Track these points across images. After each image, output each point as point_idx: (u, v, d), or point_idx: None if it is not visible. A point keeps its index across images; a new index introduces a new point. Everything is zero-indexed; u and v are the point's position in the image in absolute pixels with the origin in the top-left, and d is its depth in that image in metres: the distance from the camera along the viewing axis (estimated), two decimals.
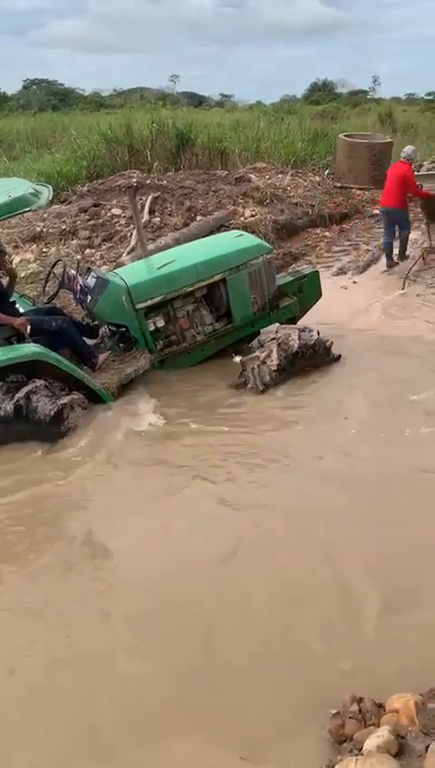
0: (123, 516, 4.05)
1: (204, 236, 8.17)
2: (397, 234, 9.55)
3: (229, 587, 3.36)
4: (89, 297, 5.69)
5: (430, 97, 29.75)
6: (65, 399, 5.01)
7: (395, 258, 9.61)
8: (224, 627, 3.11)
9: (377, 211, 12.52)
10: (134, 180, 11.20)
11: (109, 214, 10.25)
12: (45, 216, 10.34)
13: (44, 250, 9.19)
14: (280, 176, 13.12)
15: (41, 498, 4.34)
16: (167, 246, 7.88)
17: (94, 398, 5.30)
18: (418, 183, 9.51)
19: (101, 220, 10.09)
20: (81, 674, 2.91)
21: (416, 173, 11.33)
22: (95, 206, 10.51)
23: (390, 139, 15.37)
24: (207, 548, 3.68)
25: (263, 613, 3.18)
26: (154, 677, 2.86)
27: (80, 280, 5.78)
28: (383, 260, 9.65)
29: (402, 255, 9.66)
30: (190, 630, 3.10)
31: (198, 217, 10.22)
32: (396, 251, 9.61)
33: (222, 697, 2.74)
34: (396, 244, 9.61)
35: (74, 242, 9.47)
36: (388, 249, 9.65)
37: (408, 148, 9.72)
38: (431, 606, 3.13)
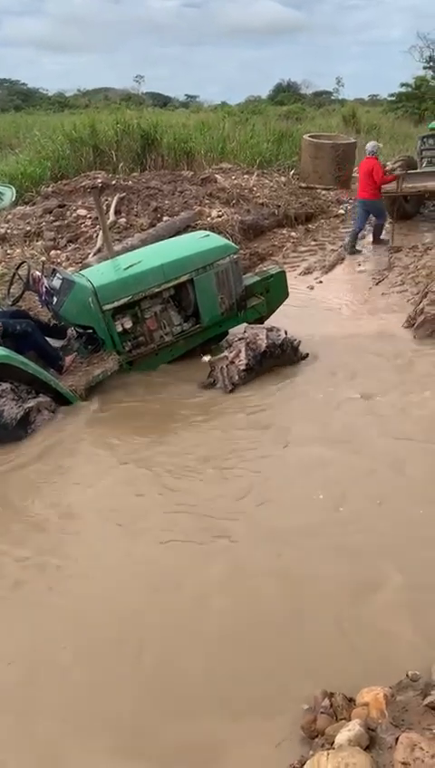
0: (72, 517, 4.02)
1: (170, 237, 8.16)
2: (373, 222, 10.38)
3: (191, 580, 3.35)
4: (55, 299, 5.63)
5: (393, 98, 30.19)
6: (32, 403, 4.97)
7: (358, 247, 10.21)
8: (184, 625, 3.10)
9: (342, 211, 12.74)
10: (99, 181, 11.12)
11: (74, 215, 10.16)
12: (9, 217, 10.21)
13: (9, 252, 9.06)
14: (246, 176, 13.16)
15: None
16: (133, 247, 7.83)
17: (61, 401, 5.25)
18: (387, 169, 10.23)
19: (66, 221, 9.99)
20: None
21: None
22: (60, 206, 10.41)
23: (353, 140, 15.57)
24: (166, 552, 3.65)
25: (228, 608, 3.18)
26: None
27: (45, 281, 5.71)
28: (349, 259, 9.79)
29: (377, 239, 10.34)
30: (145, 632, 3.09)
31: (165, 218, 10.19)
32: (361, 241, 10.31)
33: (188, 695, 2.74)
34: (365, 233, 10.43)
35: (39, 243, 9.36)
36: (353, 237, 10.12)
37: (370, 144, 10.29)
38: (398, 596, 3.17)
